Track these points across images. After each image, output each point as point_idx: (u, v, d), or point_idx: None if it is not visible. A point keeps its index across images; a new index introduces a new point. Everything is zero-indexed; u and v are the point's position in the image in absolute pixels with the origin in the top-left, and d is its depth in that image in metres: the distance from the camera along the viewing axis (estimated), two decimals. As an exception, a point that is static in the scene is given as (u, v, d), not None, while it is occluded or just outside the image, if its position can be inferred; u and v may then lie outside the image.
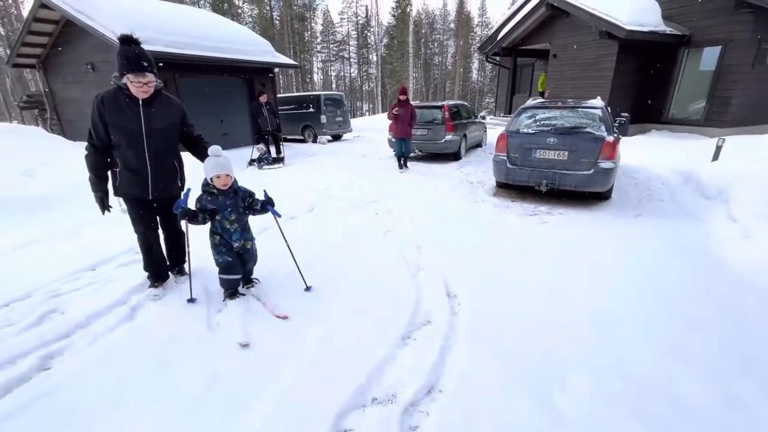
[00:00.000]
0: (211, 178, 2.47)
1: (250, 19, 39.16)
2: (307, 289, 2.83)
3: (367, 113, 44.10)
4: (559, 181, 5.15)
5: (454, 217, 4.74)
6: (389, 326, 2.38)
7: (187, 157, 2.84)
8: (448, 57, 48.78)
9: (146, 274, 2.90)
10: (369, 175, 7.27)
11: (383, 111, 31.00)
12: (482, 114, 14.84)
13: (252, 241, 2.76)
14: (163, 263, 2.93)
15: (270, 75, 11.39)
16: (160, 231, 2.88)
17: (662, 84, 10.99)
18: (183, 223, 2.59)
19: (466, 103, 10.30)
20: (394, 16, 42.74)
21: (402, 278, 3.09)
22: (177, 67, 8.64)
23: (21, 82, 28.27)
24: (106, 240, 3.74)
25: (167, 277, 2.95)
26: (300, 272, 2.86)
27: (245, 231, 2.68)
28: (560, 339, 2.28)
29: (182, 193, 2.62)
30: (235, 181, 2.60)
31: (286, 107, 12.93)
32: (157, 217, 2.82)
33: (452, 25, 47.66)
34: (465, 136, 9.03)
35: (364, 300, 2.72)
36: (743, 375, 1.97)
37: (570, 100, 6.18)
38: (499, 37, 14.59)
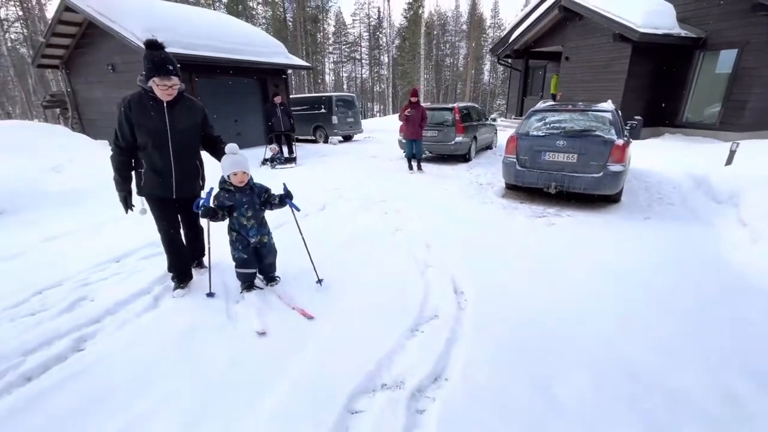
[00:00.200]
0: (228, 176, 2.56)
1: (263, 21, 39.67)
2: (319, 281, 2.92)
3: (378, 114, 44.27)
4: (568, 184, 5.20)
5: (462, 218, 4.83)
6: (398, 319, 2.49)
7: (205, 157, 2.95)
8: (459, 58, 48.70)
9: (171, 275, 2.95)
10: (379, 176, 7.39)
11: (394, 112, 31.12)
12: (493, 116, 14.86)
13: (268, 236, 2.84)
14: (188, 263, 3.02)
15: (283, 76, 11.60)
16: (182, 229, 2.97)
17: (676, 87, 10.89)
18: (204, 220, 2.70)
19: (476, 105, 10.35)
20: (405, 17, 42.83)
21: (411, 275, 3.20)
22: (193, 68, 8.89)
23: (43, 82, 29.11)
24: (128, 234, 3.92)
25: (191, 277, 3.02)
26: (313, 266, 2.96)
27: (262, 226, 2.77)
28: (562, 334, 2.36)
29: (204, 192, 2.69)
30: (251, 179, 2.69)
31: (298, 108, 13.14)
32: (179, 216, 2.90)
33: (464, 27, 47.58)
34: (475, 138, 9.09)
35: (374, 295, 2.83)
36: (742, 374, 2.02)
37: (580, 103, 6.22)
38: (511, 39, 14.61)
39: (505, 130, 13.08)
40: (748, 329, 2.45)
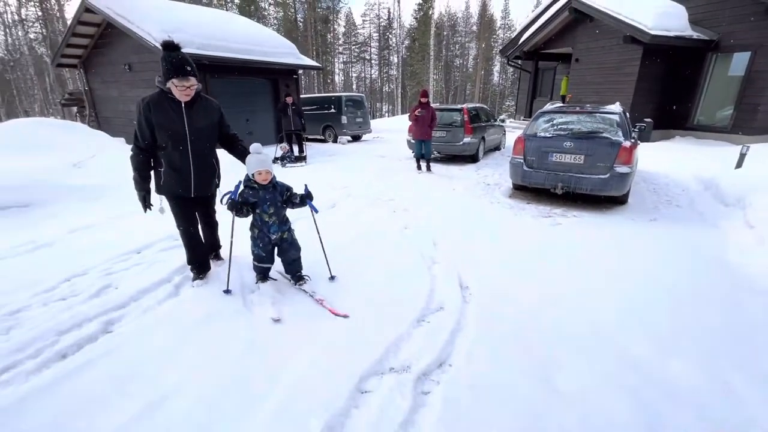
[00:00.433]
0: (253, 174, 2.64)
1: (275, 21, 40.08)
2: (332, 278, 3.04)
3: (386, 115, 44.41)
4: (575, 185, 5.26)
5: (469, 217, 4.92)
6: (405, 311, 2.61)
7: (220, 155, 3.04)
8: (469, 59, 48.60)
9: (190, 267, 3.05)
10: (387, 175, 7.51)
11: (403, 113, 31.19)
12: (502, 117, 14.88)
13: (289, 232, 2.90)
14: (206, 256, 3.14)
15: (294, 76, 11.79)
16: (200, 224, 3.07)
17: (688, 89, 10.82)
18: (227, 217, 2.81)
19: (485, 106, 10.41)
20: (416, 18, 42.92)
21: (418, 270, 3.31)
22: (207, 68, 9.10)
23: (60, 80, 29.83)
24: (147, 228, 4.09)
25: (209, 268, 3.13)
26: (327, 262, 3.07)
27: (283, 224, 2.86)
28: (563, 327, 2.46)
29: (233, 187, 2.72)
30: (274, 177, 2.78)
31: (308, 108, 13.32)
32: (197, 212, 2.97)
33: (474, 28, 47.48)
34: (483, 138, 9.16)
35: (382, 288, 2.95)
36: (737, 368, 2.10)
37: (588, 105, 6.26)
38: (521, 41, 14.62)
39: (513, 131, 13.10)
40: (748, 327, 2.51)
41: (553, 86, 15.69)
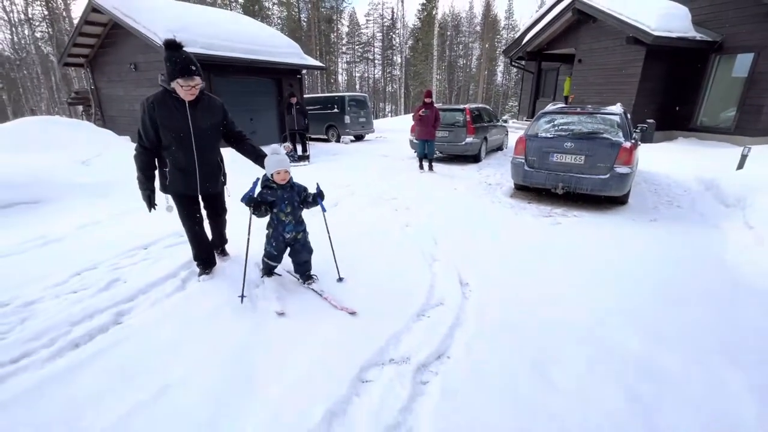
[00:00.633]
0: (272, 174, 2.67)
1: (278, 21, 40.24)
2: (340, 280, 3.07)
3: (389, 114, 44.47)
4: (575, 185, 5.31)
5: (470, 216, 4.98)
6: (406, 306, 2.67)
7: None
8: (472, 60, 48.60)
9: (196, 262, 3.11)
10: (390, 175, 7.57)
11: (406, 112, 31.26)
12: (504, 118, 14.92)
13: (304, 233, 2.93)
14: (212, 252, 3.18)
15: (298, 76, 11.87)
16: (206, 222, 3.08)
17: (691, 90, 10.83)
18: (242, 216, 2.83)
19: (488, 107, 10.45)
20: (419, 18, 42.96)
21: (418, 267, 3.38)
22: (211, 68, 9.19)
23: (66, 80, 30.07)
24: (153, 225, 4.15)
25: (215, 263, 3.19)
26: (336, 264, 3.11)
27: (298, 224, 2.87)
28: (559, 323, 2.52)
29: (252, 182, 2.73)
30: (291, 177, 2.82)
31: (311, 107, 13.40)
32: (203, 211, 3.00)
33: (478, 28, 47.47)
34: (486, 139, 9.21)
35: (383, 284, 3.02)
36: (729, 362, 2.15)
37: (589, 106, 6.30)
38: (524, 42, 14.65)
39: (516, 131, 13.13)
40: (742, 324, 2.56)
41: (556, 87, 15.71)
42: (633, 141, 5.34)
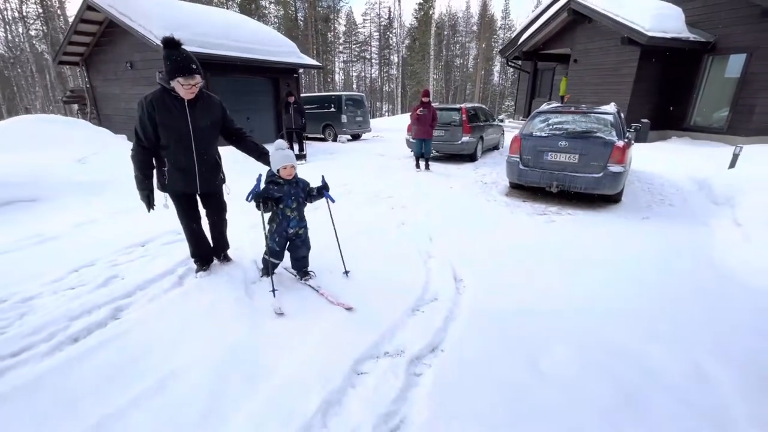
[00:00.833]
0: (278, 169, 2.68)
1: (275, 20, 40.15)
2: (346, 273, 3.09)
3: (386, 114, 44.52)
4: (569, 183, 5.37)
5: (465, 214, 5.03)
6: (401, 301, 2.72)
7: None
8: (469, 59, 48.71)
9: (193, 259, 3.10)
10: (386, 173, 7.61)
11: (403, 112, 31.27)
12: (501, 117, 14.99)
13: (305, 229, 2.96)
14: (209, 248, 3.15)
15: (295, 75, 11.88)
16: (205, 222, 3.06)
17: (685, 90, 10.94)
18: (242, 217, 2.82)
19: (484, 106, 10.52)
20: (416, 17, 43.01)
21: (414, 264, 3.43)
22: (208, 67, 9.18)
23: (60, 78, 29.88)
24: (150, 223, 4.17)
25: (212, 260, 3.18)
26: (342, 257, 3.14)
27: (302, 219, 2.90)
28: (552, 319, 2.57)
29: (255, 180, 2.72)
30: (297, 173, 2.83)
31: (308, 106, 13.39)
32: (202, 210, 2.97)
33: (475, 28, 47.58)
34: (482, 138, 9.27)
35: (379, 280, 3.06)
36: (715, 357, 2.20)
37: (583, 105, 6.37)
38: (520, 41, 14.73)
39: (512, 131, 13.18)
40: (728, 320, 2.62)
41: (552, 87, 15.80)
42: (626, 140, 5.41)
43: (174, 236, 3.89)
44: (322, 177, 2.96)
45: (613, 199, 5.61)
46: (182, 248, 3.50)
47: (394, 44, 43.62)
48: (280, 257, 2.95)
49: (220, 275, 3.05)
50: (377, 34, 47.30)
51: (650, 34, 9.59)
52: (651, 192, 6.32)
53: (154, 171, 2.72)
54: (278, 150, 2.69)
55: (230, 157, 3.16)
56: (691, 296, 2.93)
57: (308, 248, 3.03)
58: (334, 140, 13.33)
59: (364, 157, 9.66)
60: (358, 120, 13.71)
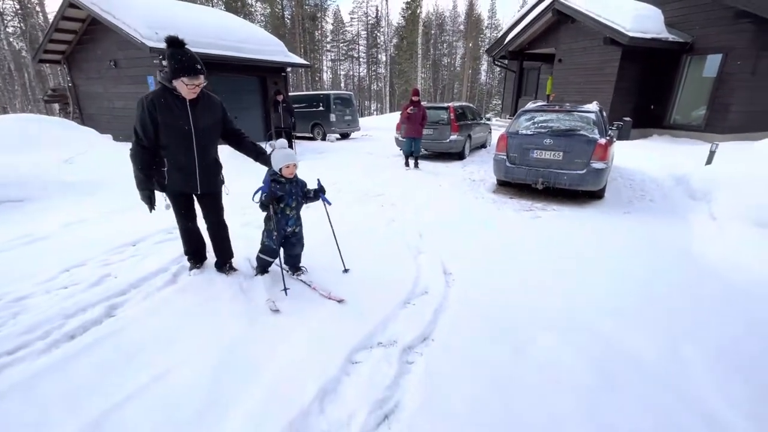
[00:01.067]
0: (281, 168, 2.70)
1: (262, 18, 39.79)
2: (346, 271, 3.15)
3: (375, 113, 44.55)
4: (554, 180, 5.53)
5: (454, 211, 5.14)
6: (393, 295, 2.81)
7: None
8: (456, 58, 49.07)
9: (187, 257, 3.10)
10: (376, 172, 7.68)
11: (391, 111, 31.38)
12: (488, 116, 15.19)
13: (300, 227, 3.00)
14: (203, 247, 3.13)
15: (283, 74, 11.84)
16: (205, 226, 3.02)
17: (664, 90, 11.26)
18: (237, 218, 2.78)
19: (471, 105, 10.67)
20: (403, 16, 43.10)
21: (404, 259, 3.51)
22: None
23: (40, 76, 29.11)
24: (141, 222, 4.18)
25: (206, 258, 3.17)
26: (341, 255, 3.20)
27: (298, 218, 2.94)
28: (536, 307, 2.70)
29: (263, 182, 2.71)
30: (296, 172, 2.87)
31: (296, 105, 13.37)
32: (199, 211, 2.94)
33: (462, 27, 47.93)
34: (469, 136, 9.41)
35: (371, 276, 3.13)
36: (691, 342, 2.34)
37: (567, 104, 6.54)
38: (506, 41, 14.94)
39: (499, 129, 13.38)
40: (704, 308, 2.76)
41: (538, 85, 16.07)
42: (608, 138, 5.58)
43: (165, 235, 3.91)
44: (318, 180, 2.99)
45: (596, 195, 5.79)
46: (174, 247, 3.52)
47: (381, 43, 43.69)
48: (276, 255, 2.97)
49: (214, 273, 3.08)
50: (365, 32, 47.26)
51: (631, 34, 9.85)
52: (632, 188, 6.53)
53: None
54: (280, 149, 2.71)
55: (228, 156, 3.17)
56: (669, 286, 3.08)
57: (302, 246, 3.09)
58: (323, 139, 13.33)
59: (354, 156, 9.71)
60: (347, 119, 13.73)
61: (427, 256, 3.58)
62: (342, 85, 48.93)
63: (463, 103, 9.98)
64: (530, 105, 6.54)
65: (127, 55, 9.49)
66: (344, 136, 14.16)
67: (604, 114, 6.39)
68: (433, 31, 46.97)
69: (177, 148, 2.59)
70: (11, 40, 28.72)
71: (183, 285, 2.87)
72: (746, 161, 5.80)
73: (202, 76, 2.46)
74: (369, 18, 46.56)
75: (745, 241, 3.76)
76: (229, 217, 3.13)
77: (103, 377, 1.93)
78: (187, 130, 2.56)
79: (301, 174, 2.99)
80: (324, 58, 47.08)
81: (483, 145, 11.07)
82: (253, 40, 10.64)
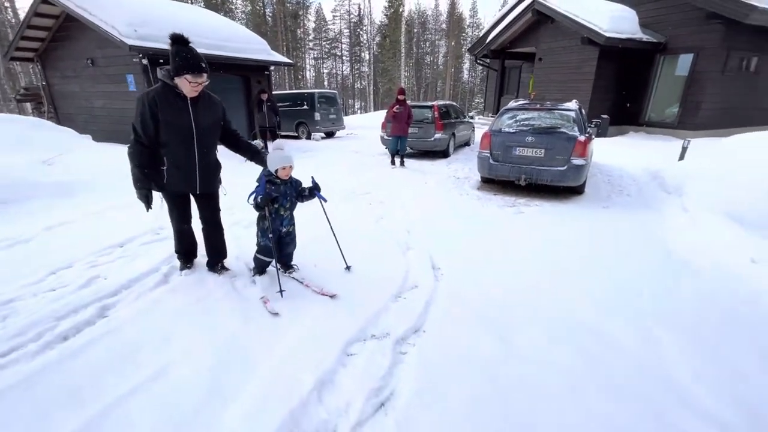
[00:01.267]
0: (276, 170, 2.71)
1: (242, 16, 39.19)
2: (348, 269, 3.19)
3: (359, 111, 44.47)
4: (536, 176, 5.70)
5: (440, 208, 5.25)
6: (384, 289, 2.88)
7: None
8: (439, 57, 49.41)
9: (177, 255, 3.08)
10: (362, 170, 7.74)
11: (376, 109, 31.40)
12: (471, 114, 15.39)
13: (294, 226, 3.04)
14: (195, 245, 3.09)
15: (266, 73, 11.75)
16: (200, 226, 3.00)
17: (640, 88, 11.66)
18: (228, 218, 2.75)
19: (455, 104, 10.82)
20: (386, 15, 43.13)
21: (394, 255, 3.60)
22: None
23: (9, 75, 27.99)
24: (126, 223, 4.15)
25: (196, 256, 3.15)
26: (342, 253, 3.22)
27: (292, 218, 2.98)
28: (521, 298, 2.83)
29: (258, 183, 2.72)
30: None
31: (281, 104, 13.25)
32: (200, 213, 2.93)
33: (444, 26, 48.28)
34: (454, 134, 9.55)
35: (362, 272, 3.20)
36: (663, 326, 2.50)
37: (548, 102, 6.73)
38: (488, 40, 15.17)
39: (482, 127, 13.58)
40: (676, 295, 2.94)
41: (519, 84, 16.38)
42: (587, 135, 5.78)
43: (152, 236, 3.89)
44: (312, 178, 3.02)
45: (576, 191, 5.99)
46: (162, 248, 3.52)
47: (364, 41, 43.60)
48: (272, 255, 2.95)
49: (205, 272, 3.09)
50: (347, 30, 47.11)
51: (607, 34, 10.16)
52: (611, 183, 6.77)
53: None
54: (277, 150, 2.72)
55: (221, 156, 3.16)
56: (643, 274, 3.26)
57: (295, 245, 3.13)
58: (308, 138, 13.29)
59: (340, 155, 9.73)
60: (332, 117, 13.72)
61: (416, 252, 3.67)
62: (325, 83, 48.66)
63: (447, 102, 10.11)
64: (512, 103, 6.70)
65: (105, 54, 9.26)
66: (329, 134, 14.14)
67: (584, 112, 6.61)
68: (415, 30, 47.17)
69: (177, 146, 2.56)
70: (-23, 36, 27.52)
71: (175, 285, 2.87)
72: (716, 157, 6.10)
73: (205, 75, 2.47)
74: (351, 16, 46.43)
75: (714, 232, 3.99)
76: (226, 224, 3.14)
77: (101, 376, 1.94)
78: (189, 128, 2.55)
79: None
80: (307, 56, 46.72)
81: (467, 143, 11.25)
82: (235, 39, 10.52)
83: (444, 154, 9.34)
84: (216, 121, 2.75)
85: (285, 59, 12.42)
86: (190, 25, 9.61)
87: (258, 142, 8.99)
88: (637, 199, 5.79)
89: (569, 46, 11.87)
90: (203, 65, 2.43)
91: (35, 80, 12.01)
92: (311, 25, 46.58)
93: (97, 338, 2.20)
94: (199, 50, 7.96)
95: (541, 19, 12.49)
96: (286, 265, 3.15)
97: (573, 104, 6.32)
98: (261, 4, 38.53)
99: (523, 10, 13.02)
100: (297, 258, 3.22)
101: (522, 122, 6.01)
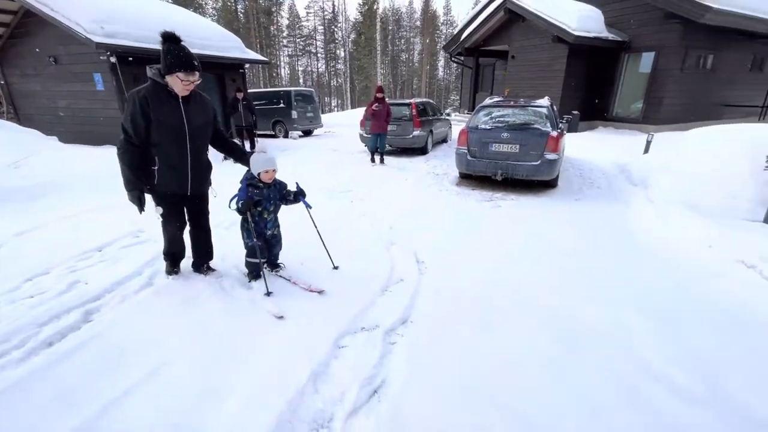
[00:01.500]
0: (260, 173, 2.70)
1: (213, 12, 38.16)
2: (336, 268, 3.22)
3: (336, 109, 44.20)
4: (512, 171, 5.90)
5: (420, 204, 5.37)
6: (371, 284, 2.97)
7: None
8: (414, 54, 49.69)
9: (164, 257, 3.01)
10: (342, 168, 7.77)
11: (353, 107, 31.30)
12: (447, 111, 15.63)
13: (278, 228, 3.06)
14: (183, 249, 3.04)
15: (240, 71, 11.54)
16: (188, 228, 2.95)
17: (607, 85, 12.18)
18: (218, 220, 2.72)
19: (432, 101, 10.98)
20: (361, 12, 43.01)
21: (378, 251, 3.68)
22: (146, 62, 8.66)
23: (-40, 72, 26.19)
24: (103, 226, 4.05)
25: (183, 257, 3.09)
26: (328, 253, 3.24)
27: (276, 220, 3.00)
28: (501, 289, 2.96)
29: (239, 188, 2.70)
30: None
31: (256, 102, 13.06)
32: (188, 214, 2.88)
33: (418, 23, 48.57)
34: (431, 132, 9.70)
35: (348, 268, 3.26)
36: (633, 310, 2.68)
37: (521, 99, 6.96)
38: (462, 38, 15.42)
39: (459, 124, 13.83)
40: (641, 282, 3.14)
41: (493, 81, 16.74)
42: (559, 130, 6.03)
43: (132, 239, 3.82)
44: (297, 184, 3.02)
45: (550, 184, 6.24)
46: (143, 250, 3.48)
47: (339, 38, 43.33)
48: (263, 255, 2.95)
49: (191, 273, 3.07)
50: (322, 27, 46.64)
51: (576, 33, 10.56)
52: (582, 177, 7.08)
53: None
54: (260, 153, 2.71)
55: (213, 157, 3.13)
56: (612, 262, 3.48)
57: (281, 245, 3.16)
58: (285, 136, 13.16)
59: (318, 153, 9.70)
60: (309, 116, 13.62)
61: (400, 247, 3.77)
62: (301, 81, 48.08)
63: (425, 99, 10.26)
64: (487, 101, 6.89)
65: (69, 51, 8.85)
66: (307, 133, 14.04)
67: (555, 108, 6.87)
68: (390, 27, 47.22)
69: (170, 146, 2.52)
70: None
71: (160, 287, 2.85)
72: (677, 150, 6.49)
73: (197, 73, 2.43)
74: (325, 13, 46.00)
75: (676, 221, 4.27)
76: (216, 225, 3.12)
77: (93, 379, 1.93)
78: (181, 127, 2.51)
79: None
80: (281, 53, 45.99)
81: (444, 140, 11.44)
82: (208, 36, 10.28)
83: (422, 151, 9.48)
84: (208, 121, 2.72)
85: (260, 57, 12.24)
86: (159, 21, 9.31)
87: (236, 142, 8.86)
88: (607, 192, 6.09)
89: (540, 45, 12.24)
90: (196, 63, 2.40)
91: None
92: (285, 21, 45.88)
93: (84, 343, 2.17)
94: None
95: (513, 18, 12.81)
96: (273, 264, 3.18)
97: (545, 101, 6.57)
98: (232, 1, 37.62)
99: (495, 9, 13.30)
100: (283, 257, 3.26)
101: (497, 119, 6.21)
